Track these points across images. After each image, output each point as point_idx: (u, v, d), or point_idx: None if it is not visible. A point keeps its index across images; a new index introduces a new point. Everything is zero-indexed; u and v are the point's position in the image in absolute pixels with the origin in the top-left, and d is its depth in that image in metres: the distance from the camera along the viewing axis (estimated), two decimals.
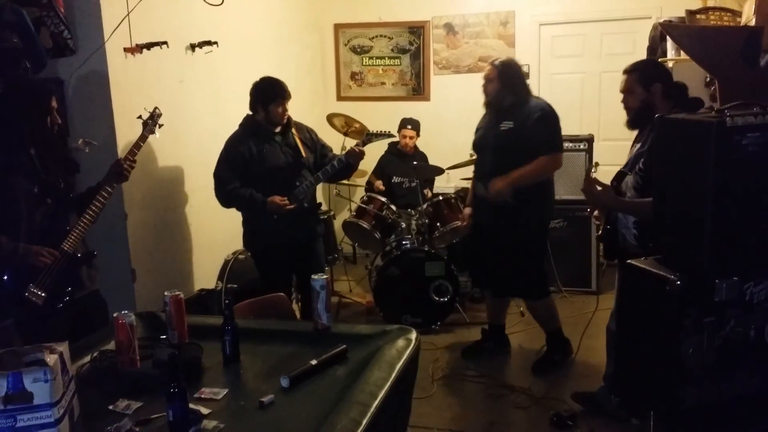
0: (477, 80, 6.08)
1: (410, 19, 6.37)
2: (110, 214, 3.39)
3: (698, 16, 4.05)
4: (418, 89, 6.46)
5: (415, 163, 5.16)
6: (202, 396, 1.98)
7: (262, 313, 2.87)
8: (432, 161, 5.52)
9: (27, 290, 2.62)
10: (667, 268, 2.07)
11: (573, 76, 6.02)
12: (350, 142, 4.80)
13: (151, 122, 3.07)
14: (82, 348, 2.26)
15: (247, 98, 3.85)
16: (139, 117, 3.07)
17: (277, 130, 3.84)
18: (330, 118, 5.51)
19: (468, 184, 5.22)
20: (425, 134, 5.73)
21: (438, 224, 4.78)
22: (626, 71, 3.05)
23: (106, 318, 2.80)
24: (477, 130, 4.00)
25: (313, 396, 1.98)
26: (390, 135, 4.03)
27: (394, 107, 6.22)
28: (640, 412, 2.67)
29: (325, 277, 2.40)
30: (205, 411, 1.87)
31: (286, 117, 3.82)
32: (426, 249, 4.65)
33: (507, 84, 3.76)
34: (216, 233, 4.52)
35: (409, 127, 5.50)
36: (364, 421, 1.74)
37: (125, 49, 3.66)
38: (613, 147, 4.89)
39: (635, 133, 3.09)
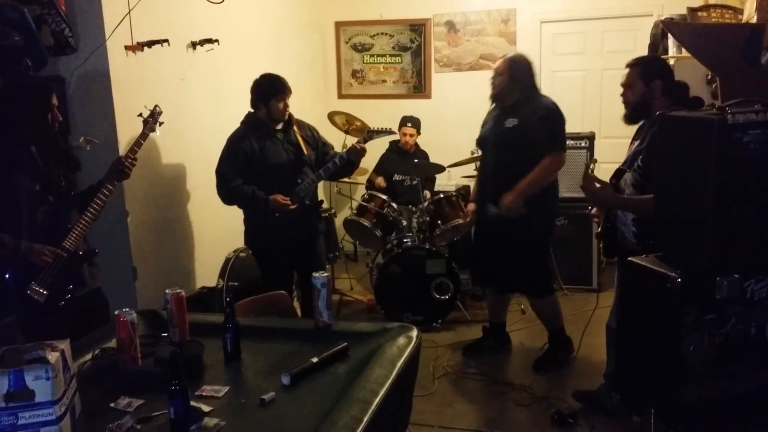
0: (478, 78, 6.16)
1: (411, 17, 6.36)
2: (111, 212, 3.39)
3: (700, 14, 4.05)
4: (419, 87, 6.45)
5: (416, 160, 5.16)
6: (204, 393, 1.99)
7: (263, 311, 2.87)
8: (433, 159, 5.52)
9: (29, 288, 2.63)
10: (668, 265, 2.07)
11: (574, 73, 6.02)
12: (351, 140, 4.80)
13: (151, 120, 3.07)
14: (83, 346, 2.26)
15: (248, 96, 3.85)
16: (140, 115, 3.07)
17: (279, 127, 3.84)
18: (331, 116, 5.51)
19: (469, 182, 5.23)
20: (426, 132, 5.72)
21: (439, 222, 4.78)
22: (629, 65, 3.05)
23: (108, 316, 2.81)
24: (482, 125, 3.98)
25: (314, 393, 1.98)
26: (391, 132, 4.03)
27: (395, 105, 6.21)
28: (640, 409, 2.67)
29: (326, 274, 2.41)
30: (206, 408, 1.87)
31: (287, 113, 3.82)
32: (427, 247, 4.65)
33: (515, 79, 3.73)
34: (217, 231, 4.52)
35: (410, 125, 5.49)
36: (365, 419, 1.74)
37: (126, 47, 3.66)
38: (615, 144, 4.88)
39: (636, 130, 3.09)
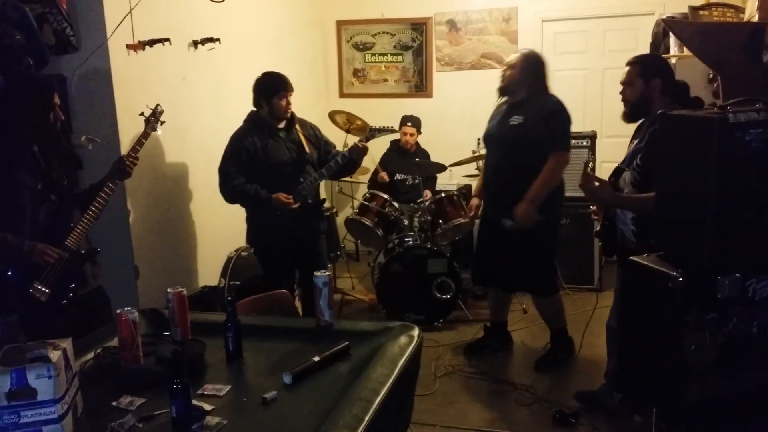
0: (480, 77, 6.18)
1: (413, 16, 6.36)
2: (113, 211, 3.40)
3: (701, 12, 4.04)
4: (421, 86, 6.45)
5: (417, 160, 5.16)
6: (205, 392, 1.99)
7: (265, 310, 2.87)
8: (434, 158, 5.51)
9: (31, 287, 2.63)
10: (669, 264, 2.07)
11: (576, 72, 6.01)
12: (352, 139, 4.81)
13: (153, 119, 3.07)
14: (85, 344, 2.26)
15: (250, 95, 3.85)
16: (142, 114, 3.07)
17: (281, 125, 3.85)
18: (332, 115, 5.51)
19: (471, 182, 5.23)
20: (427, 131, 5.72)
21: (440, 221, 4.78)
22: (629, 63, 3.05)
23: (110, 314, 2.81)
24: (489, 120, 3.96)
25: (316, 392, 1.98)
26: (393, 130, 4.04)
27: (396, 104, 6.21)
28: (642, 409, 2.67)
29: (327, 274, 2.41)
30: (208, 407, 1.87)
31: (289, 111, 3.83)
32: (428, 246, 4.65)
33: (525, 75, 3.70)
34: (219, 230, 4.53)
35: (410, 124, 5.49)
36: (367, 418, 1.74)
37: (128, 46, 3.66)
38: (616, 144, 4.88)
39: (635, 129, 3.09)
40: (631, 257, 2.22)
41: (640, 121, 3.04)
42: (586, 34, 6.00)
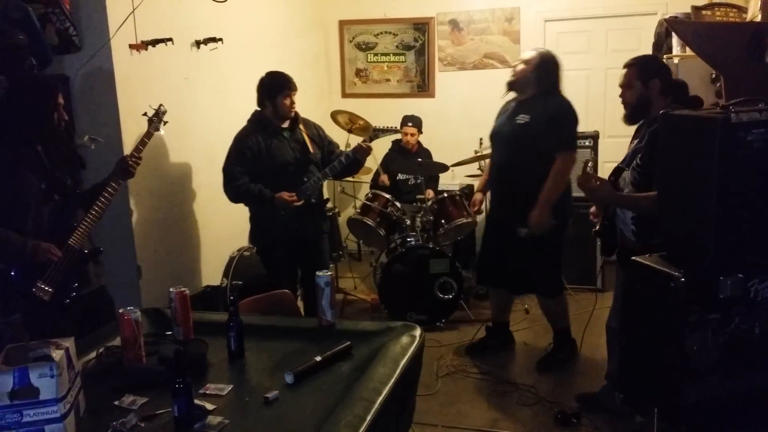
0: (482, 77, 6.17)
1: (415, 16, 6.36)
2: (116, 211, 3.40)
3: (704, 12, 4.04)
4: (423, 86, 6.45)
5: (419, 159, 5.16)
6: (207, 392, 1.99)
7: (267, 310, 2.87)
8: (437, 158, 5.51)
9: (34, 286, 2.64)
10: (671, 264, 2.07)
11: (578, 72, 6.00)
12: (354, 139, 4.81)
13: (156, 119, 3.07)
14: (88, 344, 2.27)
15: (252, 95, 3.86)
16: (145, 114, 3.08)
17: (285, 125, 3.86)
18: (334, 115, 5.51)
19: (473, 182, 5.22)
20: (430, 131, 5.72)
21: (443, 221, 4.78)
22: (626, 65, 3.05)
23: (113, 314, 2.81)
24: (497, 117, 3.94)
25: (318, 392, 1.98)
26: (396, 130, 4.05)
27: (398, 104, 6.21)
28: (644, 409, 2.67)
29: (329, 273, 2.41)
30: (210, 407, 1.87)
31: (293, 110, 3.84)
32: (431, 246, 4.65)
33: (537, 73, 3.68)
34: (221, 230, 4.53)
35: (410, 124, 5.48)
36: (369, 417, 1.74)
37: (130, 46, 3.67)
38: (619, 144, 4.86)
39: (636, 129, 3.09)
40: (633, 257, 2.21)
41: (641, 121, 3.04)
42: (589, 34, 5.99)
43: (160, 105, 3.11)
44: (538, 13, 6.05)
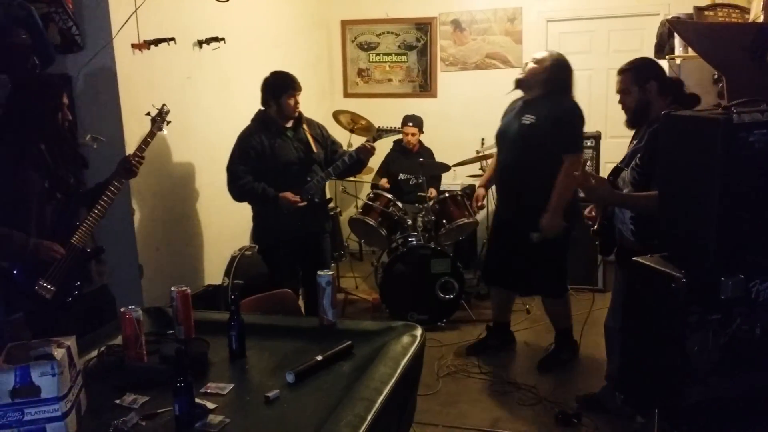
0: (484, 77, 6.17)
1: (417, 16, 6.36)
2: (118, 210, 3.41)
3: (706, 13, 4.03)
4: (425, 86, 6.45)
5: (421, 159, 5.16)
6: (208, 391, 1.99)
7: (268, 309, 2.88)
8: (438, 158, 5.51)
9: (36, 284, 2.65)
10: (673, 265, 2.07)
11: (580, 73, 5.92)
12: (356, 139, 4.81)
13: (159, 119, 3.08)
14: (89, 342, 2.27)
15: (254, 94, 3.86)
16: (148, 114, 3.08)
17: (289, 125, 3.87)
18: (336, 115, 5.51)
19: (475, 182, 5.22)
20: (432, 131, 5.72)
21: (444, 221, 4.78)
22: (620, 71, 3.05)
23: (114, 313, 2.82)
24: (503, 116, 3.93)
25: (319, 391, 1.98)
26: (400, 131, 4.05)
27: (400, 104, 6.21)
28: (644, 410, 2.67)
29: (330, 273, 2.41)
30: (211, 406, 1.88)
31: (297, 110, 3.85)
32: (432, 246, 4.65)
33: (547, 74, 3.66)
34: (223, 229, 4.54)
35: (411, 124, 5.48)
36: (369, 417, 1.74)
37: (133, 46, 3.67)
38: (621, 144, 4.83)
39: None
40: (634, 258, 2.21)
41: None
42: (591, 34, 5.99)
43: (164, 105, 3.12)
44: (540, 14, 6.05)
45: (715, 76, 3.76)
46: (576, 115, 3.67)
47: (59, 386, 1.67)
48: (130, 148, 3.44)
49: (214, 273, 4.42)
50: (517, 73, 3.89)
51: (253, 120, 3.90)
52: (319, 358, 2.12)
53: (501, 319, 4.24)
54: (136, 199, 3.74)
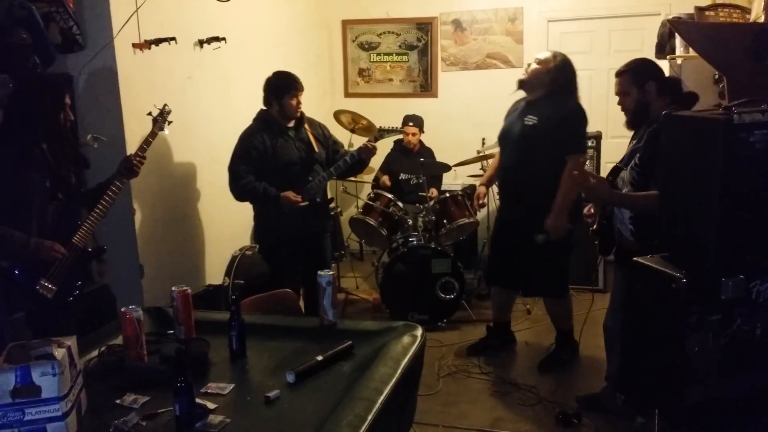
0: (485, 77, 6.17)
1: (418, 15, 6.36)
2: (118, 210, 3.41)
3: (707, 13, 4.03)
4: (426, 86, 6.45)
5: (421, 159, 5.16)
6: (209, 391, 2.00)
7: (269, 309, 2.88)
8: (439, 158, 5.51)
9: (38, 284, 2.65)
10: (673, 265, 2.07)
11: (581, 73, 5.85)
12: (357, 139, 4.81)
13: (160, 119, 3.08)
14: (90, 342, 2.27)
15: (255, 94, 3.87)
16: (149, 114, 3.08)
17: (291, 125, 3.88)
18: (337, 115, 5.51)
19: (475, 182, 5.23)
20: (432, 131, 5.72)
21: (445, 221, 4.78)
22: (618, 73, 3.05)
23: (115, 313, 2.81)
24: (506, 116, 3.92)
25: (319, 392, 1.98)
26: (401, 131, 4.06)
27: (401, 104, 6.20)
28: (645, 410, 2.67)
29: (331, 273, 2.41)
30: (211, 406, 1.88)
31: (299, 110, 3.85)
32: (432, 246, 4.65)
33: (550, 75, 3.65)
34: (223, 229, 4.54)
35: (411, 124, 5.48)
36: (370, 417, 1.74)
37: (134, 45, 3.67)
38: (622, 144, 4.81)
39: None
40: (634, 258, 2.21)
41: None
42: (592, 34, 5.99)
43: (165, 105, 3.12)
44: (541, 14, 6.05)
45: (716, 77, 3.76)
46: (579, 116, 3.66)
47: (60, 386, 1.67)
48: (131, 147, 3.44)
49: (214, 273, 4.42)
50: (518, 73, 3.89)
51: (255, 120, 3.90)
52: (320, 358, 2.12)
53: (501, 318, 4.24)
54: (136, 198, 3.74)
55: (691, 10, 4.11)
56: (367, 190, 5.83)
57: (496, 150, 4.16)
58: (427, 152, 5.63)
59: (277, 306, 2.92)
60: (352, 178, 5.14)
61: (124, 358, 2.15)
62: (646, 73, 2.97)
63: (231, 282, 4.16)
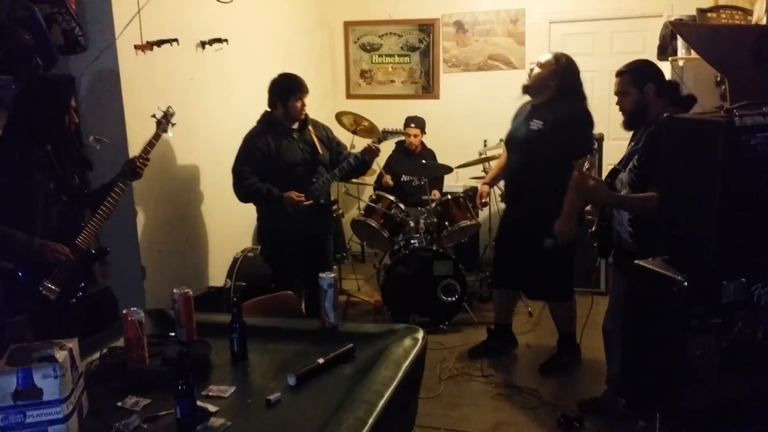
0: (487, 78, 6.17)
1: (420, 17, 6.36)
2: (121, 212, 3.40)
3: (709, 15, 4.03)
4: (428, 87, 6.45)
5: (423, 161, 5.15)
6: (210, 393, 2.00)
7: (270, 311, 2.88)
8: (441, 160, 5.51)
9: (41, 285, 2.65)
10: (674, 268, 2.06)
11: (583, 74, 5.93)
12: (359, 141, 4.82)
13: (164, 121, 3.08)
14: (91, 344, 2.27)
15: (257, 95, 3.88)
16: (153, 116, 3.08)
17: (295, 126, 3.89)
18: (339, 117, 5.51)
19: (477, 184, 5.22)
20: (434, 133, 5.72)
21: (446, 223, 4.77)
22: (618, 73, 3.04)
23: (117, 315, 2.81)
24: (512, 119, 3.91)
25: (320, 394, 1.99)
26: (404, 132, 4.06)
27: (403, 105, 6.20)
28: (646, 413, 2.67)
29: (332, 275, 2.41)
30: (212, 408, 1.88)
31: (304, 112, 3.87)
32: (434, 248, 4.65)
33: (553, 78, 3.63)
34: (225, 231, 4.54)
35: (413, 125, 5.48)
36: (371, 420, 1.74)
37: (136, 47, 3.68)
38: (623, 147, 4.82)
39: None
40: (636, 261, 2.21)
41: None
42: (594, 35, 5.98)
43: (169, 107, 3.12)
44: (543, 15, 6.04)
45: (718, 78, 3.75)
46: (584, 119, 3.65)
47: (61, 388, 1.67)
48: (133, 149, 3.45)
49: (216, 275, 4.42)
50: (520, 75, 3.89)
51: (259, 121, 3.91)
52: (321, 360, 2.12)
53: (503, 321, 4.23)
54: (138, 200, 3.74)
55: (693, 12, 4.11)
56: (368, 192, 5.83)
57: (499, 151, 4.16)
58: (429, 154, 5.62)
59: (279, 308, 2.92)
60: (354, 180, 5.14)
61: (126, 361, 2.15)
62: (645, 74, 2.97)
63: (233, 284, 4.17)
